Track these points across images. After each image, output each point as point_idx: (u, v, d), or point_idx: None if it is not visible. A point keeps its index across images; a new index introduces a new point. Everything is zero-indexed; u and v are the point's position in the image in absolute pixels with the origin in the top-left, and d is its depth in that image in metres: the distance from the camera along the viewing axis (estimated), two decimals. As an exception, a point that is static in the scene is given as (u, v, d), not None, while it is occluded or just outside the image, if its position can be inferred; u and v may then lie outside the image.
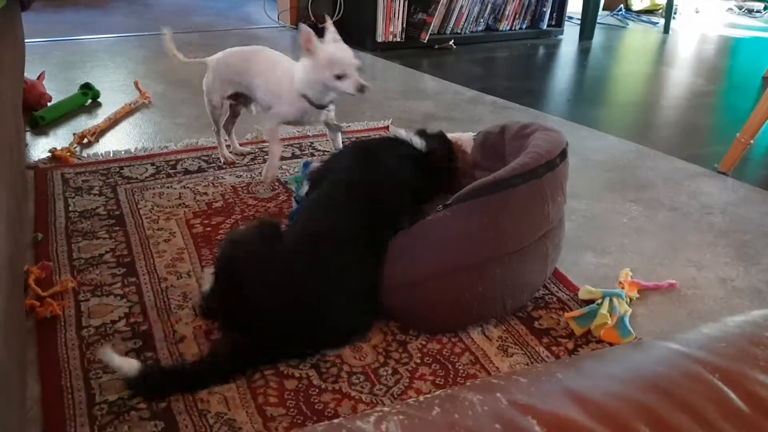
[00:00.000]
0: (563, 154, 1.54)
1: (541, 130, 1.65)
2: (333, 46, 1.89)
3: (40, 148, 2.30)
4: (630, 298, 1.58)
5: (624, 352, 0.64)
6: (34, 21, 3.55)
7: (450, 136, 1.89)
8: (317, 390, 1.30)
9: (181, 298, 1.55)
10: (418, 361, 1.39)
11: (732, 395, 0.55)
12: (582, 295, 1.59)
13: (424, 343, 1.44)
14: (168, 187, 2.06)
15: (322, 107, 1.97)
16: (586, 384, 0.56)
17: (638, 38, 4.61)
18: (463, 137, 1.92)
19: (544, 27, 4.30)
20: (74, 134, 2.37)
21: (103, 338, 1.41)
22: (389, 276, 1.45)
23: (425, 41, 3.88)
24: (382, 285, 1.45)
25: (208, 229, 1.84)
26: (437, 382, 1.34)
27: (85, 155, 2.27)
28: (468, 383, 0.59)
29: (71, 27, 3.90)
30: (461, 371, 1.37)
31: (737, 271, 1.78)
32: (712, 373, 0.57)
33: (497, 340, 1.46)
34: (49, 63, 3.18)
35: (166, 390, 1.26)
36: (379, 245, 1.45)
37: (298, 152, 2.37)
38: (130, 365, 1.26)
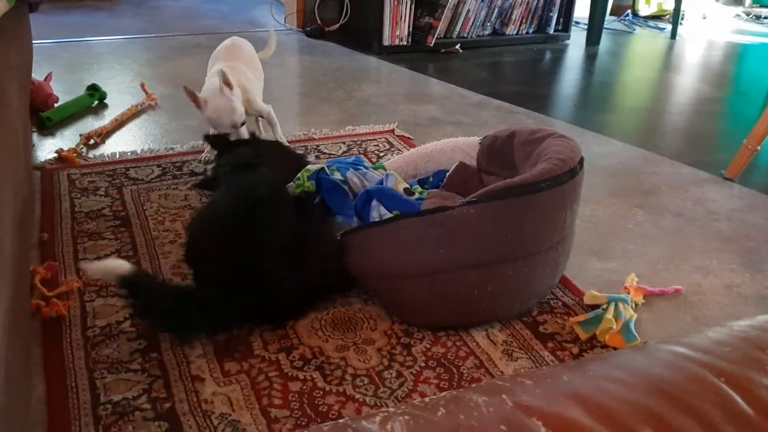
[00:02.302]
0: (581, 162, 1.54)
1: (554, 136, 1.64)
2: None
3: (46, 149, 2.31)
4: (635, 304, 1.58)
5: (629, 356, 0.64)
6: (42, 22, 3.56)
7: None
8: (321, 392, 1.30)
9: (186, 299, 1.55)
10: (423, 364, 1.39)
11: (737, 399, 0.55)
12: (587, 300, 1.59)
13: (428, 346, 1.44)
14: (174, 189, 2.07)
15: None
16: (591, 386, 0.56)
17: (645, 44, 4.60)
18: (468, 141, 1.93)
19: (551, 32, 4.29)
20: (81, 135, 2.38)
21: (108, 338, 1.41)
22: (402, 265, 1.45)
23: (431, 45, 3.88)
24: (389, 274, 1.48)
25: (214, 230, 1.84)
26: (441, 385, 1.33)
27: (92, 156, 2.27)
28: (473, 385, 0.59)
29: (78, 29, 3.92)
30: (466, 375, 1.37)
31: (743, 277, 1.77)
32: (717, 377, 0.57)
33: (502, 344, 1.46)
34: (56, 64, 3.19)
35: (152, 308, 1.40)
36: None
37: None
38: (120, 265, 1.37)
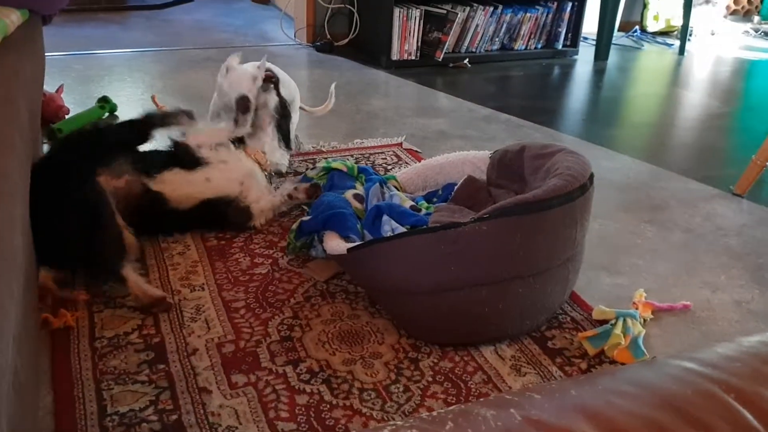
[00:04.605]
0: (592, 178, 1.53)
1: (564, 152, 1.64)
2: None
3: (57, 161, 2.32)
4: (644, 319, 1.57)
5: (638, 370, 0.63)
6: (55, 35, 3.59)
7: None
8: (328, 406, 1.29)
9: (194, 310, 1.55)
10: (430, 379, 1.38)
11: (747, 415, 0.54)
12: (596, 315, 1.58)
13: (436, 361, 1.44)
14: (183, 201, 2.07)
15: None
16: (600, 401, 0.56)
17: (653, 59, 4.60)
18: (478, 155, 1.93)
19: (559, 47, 4.30)
20: (91, 147, 2.39)
21: (116, 349, 1.41)
22: (413, 281, 1.44)
23: (440, 60, 3.89)
24: (399, 290, 1.47)
25: (223, 242, 1.85)
26: (449, 400, 1.33)
27: (102, 168, 2.28)
28: (481, 399, 0.59)
29: (90, 41, 3.95)
30: (473, 390, 1.36)
31: (752, 293, 1.76)
32: (727, 393, 0.56)
33: (510, 360, 1.45)
34: (68, 76, 3.21)
35: None
36: None
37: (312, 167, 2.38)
38: None
